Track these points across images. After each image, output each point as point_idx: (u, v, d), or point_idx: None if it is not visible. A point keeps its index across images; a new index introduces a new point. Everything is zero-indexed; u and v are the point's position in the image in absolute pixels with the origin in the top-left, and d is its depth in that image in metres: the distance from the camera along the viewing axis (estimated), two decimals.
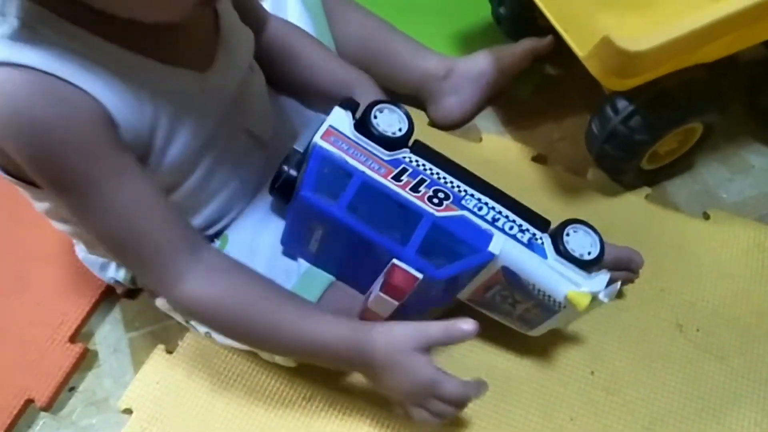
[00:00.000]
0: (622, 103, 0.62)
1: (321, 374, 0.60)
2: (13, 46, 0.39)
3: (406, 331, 0.49)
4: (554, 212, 0.68)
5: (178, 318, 0.60)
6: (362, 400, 0.59)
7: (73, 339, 0.64)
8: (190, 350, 0.62)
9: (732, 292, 0.65)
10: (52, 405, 0.61)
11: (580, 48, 0.59)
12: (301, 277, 0.55)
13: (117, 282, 0.63)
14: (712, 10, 0.56)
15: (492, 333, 0.62)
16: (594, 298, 0.50)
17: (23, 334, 0.64)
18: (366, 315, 0.53)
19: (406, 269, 0.49)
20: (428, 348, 0.49)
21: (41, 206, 0.53)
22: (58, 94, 0.40)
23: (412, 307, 0.51)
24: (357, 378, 0.60)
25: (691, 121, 0.65)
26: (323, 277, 0.55)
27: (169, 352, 0.62)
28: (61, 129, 0.41)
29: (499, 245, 0.50)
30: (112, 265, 0.61)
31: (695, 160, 0.73)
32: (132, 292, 0.67)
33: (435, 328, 0.49)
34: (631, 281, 0.63)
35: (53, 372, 0.62)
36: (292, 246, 0.56)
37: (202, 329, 0.58)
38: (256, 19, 0.59)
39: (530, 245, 0.52)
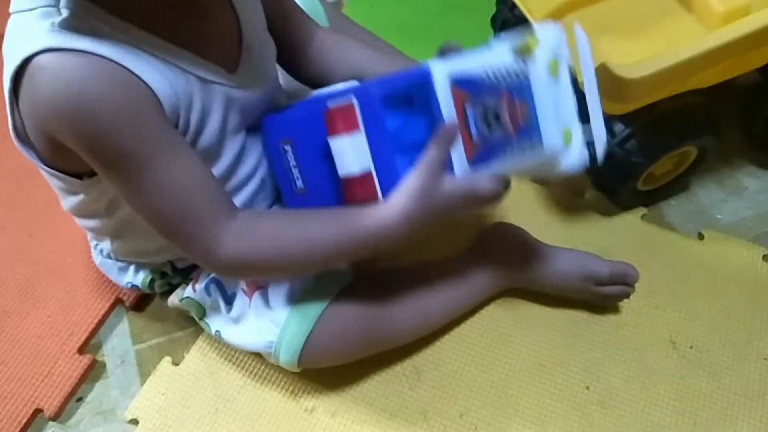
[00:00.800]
0: (618, 127, 0.64)
1: (324, 386, 0.62)
2: (67, 34, 0.42)
3: (412, 177, 0.48)
4: (554, 231, 0.71)
5: (193, 313, 0.62)
6: (364, 413, 0.61)
7: (81, 350, 0.66)
8: (196, 363, 0.64)
9: (725, 311, 0.67)
10: (60, 415, 0.63)
11: (580, 75, 0.61)
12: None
13: (134, 286, 0.64)
14: (705, 39, 0.58)
15: (487, 346, 0.64)
16: (537, 42, 0.50)
17: (33, 345, 0.66)
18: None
19: (340, 103, 0.48)
20: (440, 172, 0.47)
21: (72, 201, 0.55)
22: (112, 76, 0.42)
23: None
24: (359, 390, 0.62)
25: (685, 145, 0.67)
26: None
27: (176, 364, 0.64)
28: (117, 108, 0.43)
29: (435, 63, 0.48)
30: (131, 269, 0.63)
31: (691, 181, 0.75)
32: (142, 302, 0.69)
33: (427, 153, 0.48)
34: (627, 296, 0.65)
35: (62, 382, 0.64)
36: (289, 198, 0.56)
37: (214, 327, 0.60)
38: (304, 33, 0.60)
39: (467, 53, 0.50)
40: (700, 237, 0.72)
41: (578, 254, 0.64)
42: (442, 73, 0.47)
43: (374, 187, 0.49)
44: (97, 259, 0.65)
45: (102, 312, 0.68)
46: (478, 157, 0.49)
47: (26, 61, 0.42)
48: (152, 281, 0.62)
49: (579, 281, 0.63)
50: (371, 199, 0.49)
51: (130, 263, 0.63)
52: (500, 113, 0.50)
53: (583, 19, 0.73)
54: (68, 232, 0.73)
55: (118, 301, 0.69)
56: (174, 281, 0.63)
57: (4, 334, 0.67)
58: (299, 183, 0.54)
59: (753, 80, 0.74)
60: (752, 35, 0.58)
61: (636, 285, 0.64)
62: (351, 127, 0.48)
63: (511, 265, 0.65)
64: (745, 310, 0.67)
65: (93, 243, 0.64)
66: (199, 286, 0.59)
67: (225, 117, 0.51)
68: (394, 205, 0.48)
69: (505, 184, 0.50)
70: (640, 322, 0.66)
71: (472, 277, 0.64)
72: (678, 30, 0.71)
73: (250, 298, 0.58)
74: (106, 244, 0.61)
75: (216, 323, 0.60)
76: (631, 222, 0.73)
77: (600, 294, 0.64)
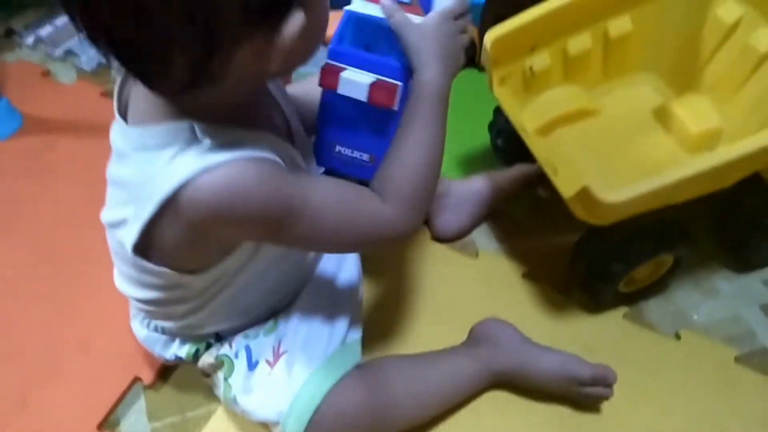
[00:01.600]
0: (599, 237, 0.71)
1: None
2: (212, 154, 0.49)
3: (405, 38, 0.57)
4: (541, 328, 0.77)
5: (223, 370, 0.66)
6: None
7: (101, 426, 0.70)
8: None
9: (699, 409, 0.72)
10: None
11: (565, 190, 0.68)
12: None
13: (178, 358, 0.68)
14: (680, 168, 0.64)
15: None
16: None
17: (55, 421, 0.71)
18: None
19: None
20: (409, 24, 0.57)
21: (161, 293, 0.60)
22: (257, 169, 0.50)
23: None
24: None
25: (661, 255, 0.73)
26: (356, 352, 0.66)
27: None
28: (273, 188, 0.51)
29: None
30: (176, 342, 0.68)
31: (669, 283, 0.81)
32: (159, 380, 0.74)
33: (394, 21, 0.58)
34: (607, 397, 0.70)
35: None
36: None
37: (233, 391, 0.65)
38: None
39: None
40: (677, 337, 0.78)
41: (563, 356, 0.70)
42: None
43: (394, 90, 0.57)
44: (142, 333, 0.70)
45: (121, 389, 0.73)
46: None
47: (180, 187, 0.48)
48: (197, 351, 0.67)
49: (563, 381, 0.69)
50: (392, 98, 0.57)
51: (176, 336, 0.68)
52: None
53: (570, 134, 0.82)
54: (91, 308, 0.79)
55: (136, 379, 0.74)
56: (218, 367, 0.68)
57: (29, 408, 0.72)
58: (365, 157, 0.62)
59: (726, 191, 0.81)
60: (725, 166, 0.64)
61: (617, 381, 0.69)
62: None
63: (500, 360, 0.70)
64: (719, 410, 0.72)
65: (141, 320, 0.69)
66: (235, 346, 0.65)
67: None
68: (423, 66, 0.57)
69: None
70: (620, 419, 0.71)
71: (467, 368, 0.70)
72: (657, 148, 0.79)
73: (272, 367, 0.64)
74: (163, 322, 0.67)
75: (236, 385, 0.65)
76: (613, 320, 0.79)
77: (582, 394, 0.70)
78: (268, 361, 0.64)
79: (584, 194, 0.63)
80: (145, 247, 0.54)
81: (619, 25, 0.80)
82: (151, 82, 0.47)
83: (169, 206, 0.50)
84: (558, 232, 0.87)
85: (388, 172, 0.58)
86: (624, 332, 0.78)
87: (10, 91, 1.00)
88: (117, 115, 0.55)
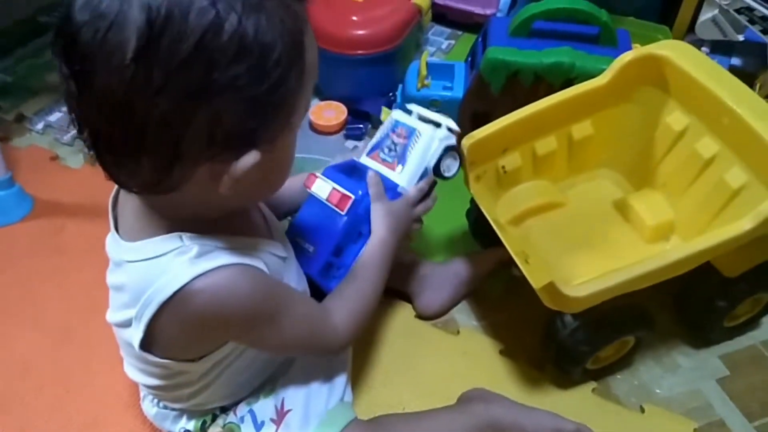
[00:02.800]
0: (567, 319, 0.79)
1: None
2: (204, 261, 0.57)
3: (374, 209, 0.75)
4: (518, 400, 0.83)
5: None
6: None
7: None
8: None
9: None
10: None
11: (535, 281, 0.73)
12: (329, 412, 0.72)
13: (186, 431, 0.74)
14: (638, 266, 0.72)
15: None
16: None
17: None
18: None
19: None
20: (383, 197, 0.76)
21: (165, 380, 0.67)
22: (251, 274, 0.59)
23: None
24: None
25: (623, 337, 0.81)
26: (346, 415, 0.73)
27: None
28: (265, 293, 0.61)
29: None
30: (184, 417, 0.74)
31: (634, 358, 0.88)
32: None
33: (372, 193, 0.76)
34: None
35: None
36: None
37: None
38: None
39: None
40: (642, 410, 0.85)
41: (551, 413, 0.80)
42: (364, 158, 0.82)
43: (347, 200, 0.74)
44: (152, 411, 0.76)
45: None
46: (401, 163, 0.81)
47: (175, 292, 0.56)
48: (204, 423, 0.73)
49: None
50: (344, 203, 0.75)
51: (184, 412, 0.74)
52: (394, 141, 0.82)
53: (540, 224, 0.90)
54: (101, 388, 0.84)
55: None
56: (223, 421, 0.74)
57: None
58: (310, 249, 0.77)
59: (681, 276, 0.89)
60: (680, 261, 0.72)
61: None
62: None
63: (495, 413, 0.78)
64: None
65: (151, 400, 0.75)
66: (239, 413, 0.71)
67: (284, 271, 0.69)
68: (378, 229, 0.75)
69: (427, 187, 0.80)
70: None
71: (464, 421, 0.77)
72: (618, 236, 0.87)
73: (278, 426, 0.70)
74: (171, 404, 0.73)
75: None
76: (583, 395, 0.86)
77: None
78: (273, 420, 0.71)
79: (551, 288, 0.71)
80: (149, 344, 0.61)
81: (582, 128, 0.89)
82: (119, 176, 0.53)
83: (167, 309, 0.57)
84: (532, 310, 0.92)
85: (344, 296, 0.72)
86: (593, 405, 0.85)
87: (21, 174, 1.07)
88: (112, 228, 0.63)
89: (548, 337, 0.83)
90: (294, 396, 0.72)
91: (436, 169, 0.82)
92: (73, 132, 1.19)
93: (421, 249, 0.99)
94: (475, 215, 1.00)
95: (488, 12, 1.41)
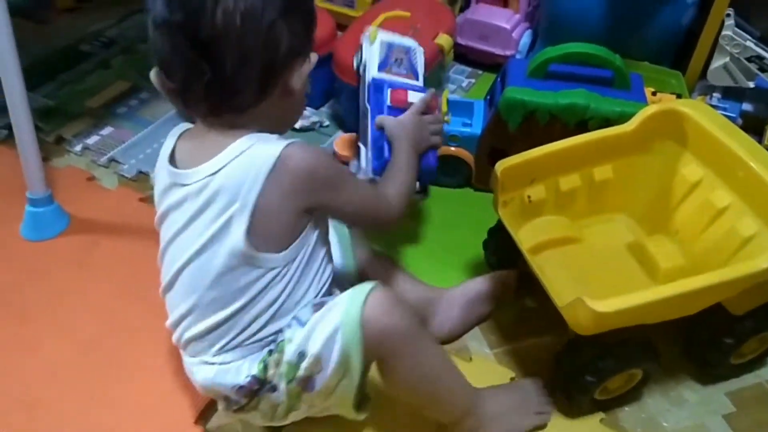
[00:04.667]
0: (576, 350, 0.82)
1: None
2: (285, 138, 0.71)
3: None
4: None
5: (286, 373, 0.75)
6: None
7: None
8: None
9: None
10: None
11: (559, 300, 0.79)
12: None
13: (253, 377, 0.75)
14: (659, 288, 0.77)
15: None
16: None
17: None
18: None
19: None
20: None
21: (257, 286, 0.73)
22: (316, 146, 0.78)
23: None
24: None
25: (630, 369, 0.84)
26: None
27: None
28: (330, 157, 0.78)
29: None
30: (246, 362, 0.76)
31: (642, 391, 0.90)
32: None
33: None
34: None
35: None
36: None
37: (294, 385, 0.75)
38: None
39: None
40: None
41: None
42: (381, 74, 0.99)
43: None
44: (210, 374, 0.76)
45: None
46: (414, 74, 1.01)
47: (274, 162, 0.68)
48: (265, 366, 0.75)
49: None
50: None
51: (246, 355, 0.76)
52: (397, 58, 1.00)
53: (555, 255, 0.94)
54: (123, 396, 0.88)
55: None
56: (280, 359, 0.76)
57: None
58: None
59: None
60: (714, 287, 0.76)
61: None
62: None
63: None
64: None
65: (212, 356, 0.76)
66: (289, 355, 0.74)
67: None
68: (397, 136, 0.91)
69: (430, 97, 0.95)
70: None
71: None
72: (629, 277, 0.91)
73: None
74: (238, 337, 0.75)
75: (297, 379, 0.74)
76: (591, 425, 0.88)
77: None
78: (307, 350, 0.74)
79: (579, 304, 0.74)
80: (250, 237, 0.70)
81: (603, 171, 0.95)
82: (232, 102, 0.70)
83: (270, 180, 0.68)
84: (542, 339, 0.97)
85: (388, 184, 0.85)
86: None
87: (58, 193, 1.12)
88: (173, 170, 0.74)
89: (557, 366, 0.86)
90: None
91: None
92: (109, 154, 1.26)
93: (434, 278, 1.03)
94: (494, 246, 1.03)
95: (507, 53, 1.47)
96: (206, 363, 0.77)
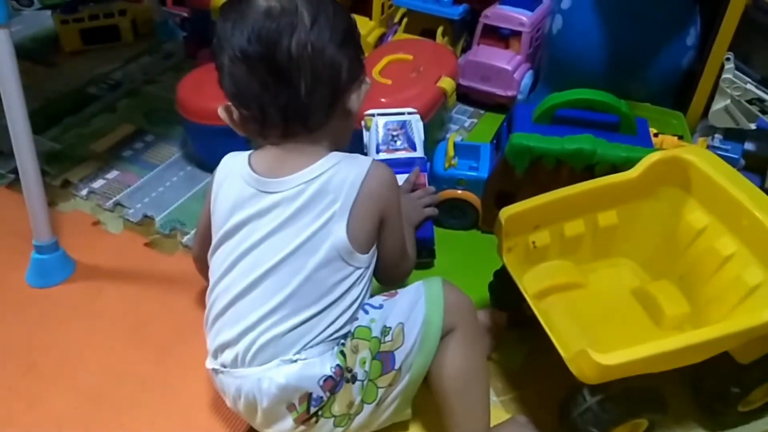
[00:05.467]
0: (580, 399, 0.81)
1: None
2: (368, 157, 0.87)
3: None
4: None
5: (370, 347, 0.80)
6: None
7: None
8: None
9: None
10: None
11: (564, 350, 0.79)
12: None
13: (338, 366, 0.78)
14: (665, 341, 0.76)
15: None
16: None
17: None
18: None
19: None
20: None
21: (347, 284, 0.80)
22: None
23: None
24: None
25: (633, 420, 0.83)
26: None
27: None
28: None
29: None
30: (328, 354, 0.79)
31: None
32: None
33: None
34: None
35: None
36: None
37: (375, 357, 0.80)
38: None
39: None
40: None
41: None
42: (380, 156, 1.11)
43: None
44: (293, 370, 0.77)
45: None
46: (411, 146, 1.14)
47: (366, 173, 0.80)
48: (343, 354, 0.79)
49: None
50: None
51: (327, 348, 0.79)
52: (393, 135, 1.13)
53: (560, 301, 0.94)
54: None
55: None
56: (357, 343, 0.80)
57: None
58: None
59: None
60: (721, 339, 0.76)
61: None
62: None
63: None
64: None
65: (296, 353, 0.78)
66: (375, 332, 0.80)
67: None
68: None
69: (414, 178, 1.09)
70: None
71: None
72: (634, 322, 0.91)
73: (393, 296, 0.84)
74: (322, 330, 0.79)
75: (380, 353, 0.80)
76: None
77: None
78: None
79: (583, 356, 0.74)
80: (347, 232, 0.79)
81: (607, 217, 0.96)
82: (307, 123, 0.80)
83: (363, 188, 0.79)
84: (548, 384, 0.96)
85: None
86: None
87: (64, 238, 1.12)
88: (264, 186, 0.80)
89: (561, 415, 0.85)
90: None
91: None
92: (115, 198, 1.26)
93: None
94: (500, 289, 1.03)
95: (509, 93, 1.48)
96: (289, 361, 0.78)
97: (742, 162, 1.26)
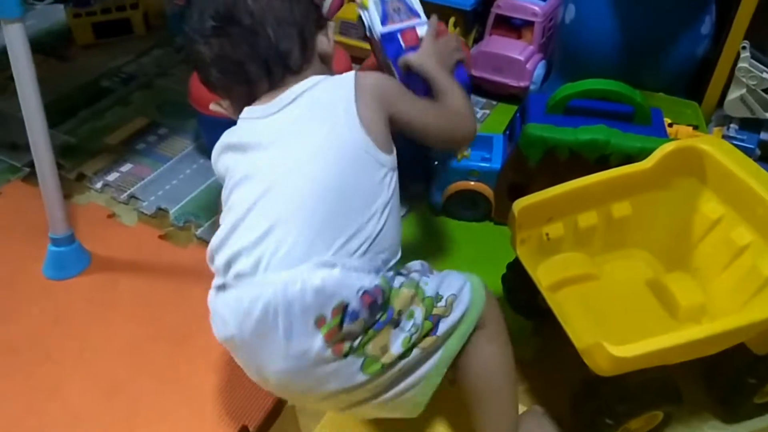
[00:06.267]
0: (594, 392, 0.81)
1: None
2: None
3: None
4: None
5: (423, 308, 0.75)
6: None
7: None
8: None
9: None
10: None
11: (578, 342, 0.78)
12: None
13: (376, 287, 0.71)
14: (680, 333, 0.75)
15: None
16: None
17: None
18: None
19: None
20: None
21: (383, 186, 0.78)
22: None
23: None
24: None
25: (648, 412, 0.83)
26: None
27: None
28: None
29: None
30: (371, 274, 0.73)
31: (663, 430, 0.90)
32: None
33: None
34: None
35: None
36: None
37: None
38: None
39: None
40: None
41: None
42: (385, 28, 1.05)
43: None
44: (334, 273, 0.69)
45: None
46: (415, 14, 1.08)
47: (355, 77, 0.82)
48: (388, 284, 0.73)
49: None
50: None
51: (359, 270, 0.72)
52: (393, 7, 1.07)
53: (574, 293, 0.93)
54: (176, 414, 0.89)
55: None
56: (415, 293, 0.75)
57: None
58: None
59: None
60: (735, 331, 0.76)
61: None
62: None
63: None
64: None
65: (335, 266, 0.70)
66: (429, 292, 0.76)
67: None
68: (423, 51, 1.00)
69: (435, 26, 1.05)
70: None
71: None
72: (648, 314, 0.90)
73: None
74: (362, 253, 0.73)
75: (433, 316, 0.75)
76: None
77: None
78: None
79: (598, 348, 0.74)
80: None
81: (621, 208, 0.95)
82: (288, 62, 0.84)
83: (358, 91, 0.80)
84: (562, 376, 0.95)
85: (447, 101, 0.93)
86: None
87: (80, 231, 1.13)
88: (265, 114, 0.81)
89: (575, 408, 0.85)
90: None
91: None
92: (129, 191, 1.27)
93: None
94: (512, 281, 1.03)
95: (522, 84, 1.47)
96: (329, 264, 0.70)
97: (758, 152, 1.25)
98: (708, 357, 0.81)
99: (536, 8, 1.48)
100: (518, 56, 1.46)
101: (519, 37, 1.52)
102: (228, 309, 0.72)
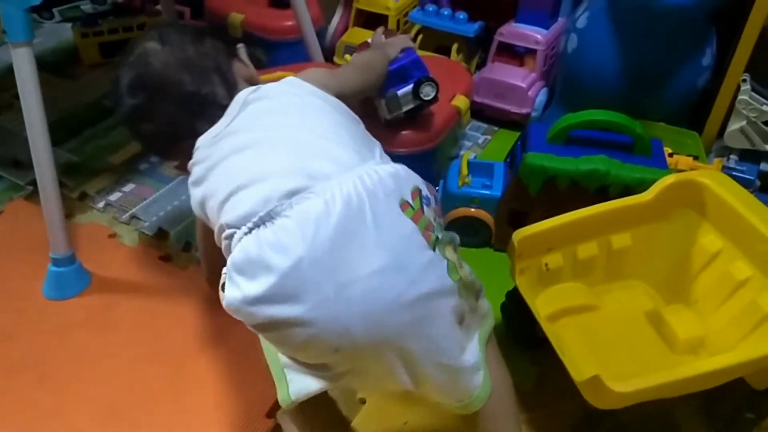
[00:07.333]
0: (595, 424, 0.81)
1: None
2: None
3: None
4: None
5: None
6: None
7: None
8: None
9: None
10: None
11: (576, 374, 0.77)
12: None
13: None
14: (679, 369, 0.76)
15: None
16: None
17: None
18: None
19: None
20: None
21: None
22: None
23: None
24: None
25: None
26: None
27: None
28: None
29: None
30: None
31: None
32: None
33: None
34: None
35: None
36: None
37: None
38: None
39: None
40: None
41: None
42: None
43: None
44: (398, 167, 0.74)
45: None
46: None
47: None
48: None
49: None
50: None
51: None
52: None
53: (573, 323, 0.93)
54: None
55: None
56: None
57: None
58: None
59: None
60: (735, 367, 0.76)
61: None
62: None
63: None
64: None
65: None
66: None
67: None
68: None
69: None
70: None
71: None
72: (647, 345, 0.90)
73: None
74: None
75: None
76: None
77: None
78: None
79: (595, 381, 0.73)
80: None
81: (621, 239, 0.95)
82: (219, 105, 0.83)
83: (302, 77, 0.87)
84: (562, 406, 0.95)
85: None
86: None
87: (80, 250, 1.13)
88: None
89: None
90: None
91: (416, 94, 1.16)
92: (131, 211, 1.28)
93: None
94: (512, 310, 1.03)
95: (523, 111, 1.48)
96: (388, 160, 0.77)
97: (758, 183, 1.25)
98: (706, 390, 0.81)
99: (539, 36, 1.49)
100: (520, 83, 1.47)
101: (521, 65, 1.53)
102: (285, 232, 0.65)
